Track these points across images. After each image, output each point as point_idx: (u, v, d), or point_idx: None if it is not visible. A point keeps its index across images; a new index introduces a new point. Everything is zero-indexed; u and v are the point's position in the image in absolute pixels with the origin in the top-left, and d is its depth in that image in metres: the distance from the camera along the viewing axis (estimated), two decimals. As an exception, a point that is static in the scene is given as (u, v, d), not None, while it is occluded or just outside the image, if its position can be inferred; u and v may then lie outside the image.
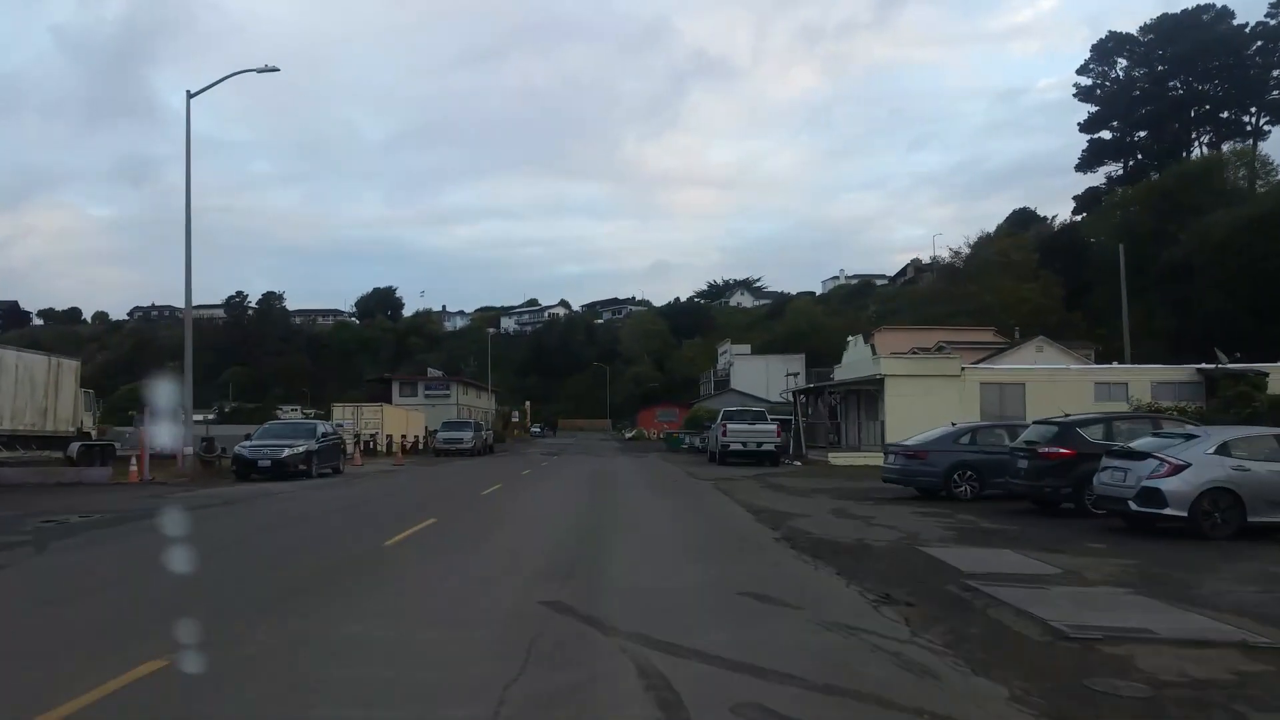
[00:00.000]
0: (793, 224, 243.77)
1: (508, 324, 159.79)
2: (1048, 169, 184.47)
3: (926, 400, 36.49)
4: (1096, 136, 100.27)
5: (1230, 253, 55.40)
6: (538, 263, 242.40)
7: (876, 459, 36.71)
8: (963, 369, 37.49)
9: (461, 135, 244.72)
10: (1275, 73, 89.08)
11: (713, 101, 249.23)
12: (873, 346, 39.81)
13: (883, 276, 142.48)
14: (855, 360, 40.68)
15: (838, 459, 37.16)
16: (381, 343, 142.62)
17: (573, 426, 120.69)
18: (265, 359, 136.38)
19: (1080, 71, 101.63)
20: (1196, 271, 57.67)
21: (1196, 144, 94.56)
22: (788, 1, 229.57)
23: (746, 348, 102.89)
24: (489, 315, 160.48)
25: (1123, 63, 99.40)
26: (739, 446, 35.78)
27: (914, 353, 41.05)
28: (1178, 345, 52.86)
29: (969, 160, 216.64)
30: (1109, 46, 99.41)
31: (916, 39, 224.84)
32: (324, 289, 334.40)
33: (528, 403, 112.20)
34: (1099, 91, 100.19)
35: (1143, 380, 37.36)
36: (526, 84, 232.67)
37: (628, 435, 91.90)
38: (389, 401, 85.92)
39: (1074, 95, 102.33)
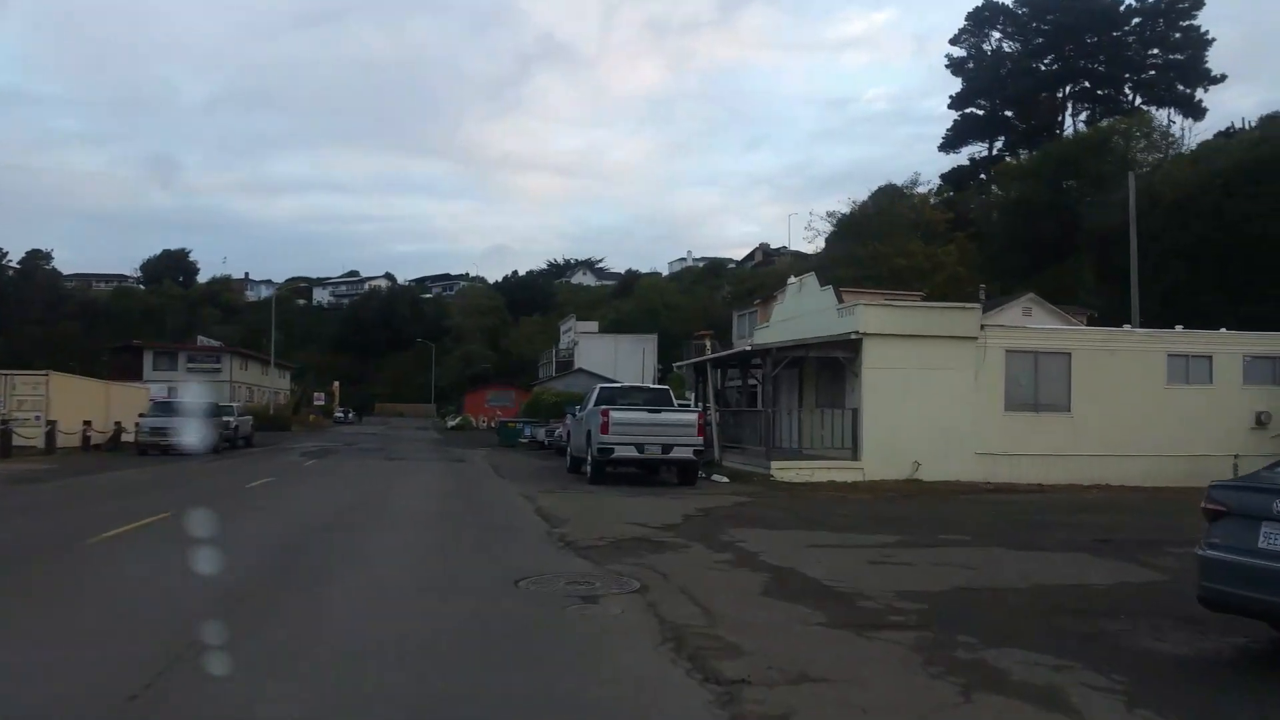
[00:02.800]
0: (633, 215, 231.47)
1: (322, 296, 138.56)
2: (871, 175, 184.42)
3: (925, 377, 21.57)
4: (967, 112, 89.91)
5: (1192, 215, 43.29)
6: (370, 240, 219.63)
7: (850, 471, 21.59)
8: (982, 327, 22.79)
9: (292, 103, 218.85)
10: (1153, 51, 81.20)
11: (559, 88, 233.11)
12: (838, 292, 24.77)
13: (731, 261, 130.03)
14: (805, 313, 25.61)
15: (785, 472, 21.80)
16: (168, 311, 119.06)
17: (391, 411, 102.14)
18: (27, 327, 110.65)
19: (954, 42, 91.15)
20: (1152, 239, 45.29)
21: (1072, 122, 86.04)
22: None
23: (593, 325, 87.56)
24: (299, 286, 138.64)
25: (996, 35, 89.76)
26: (630, 452, 20.10)
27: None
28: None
29: (801, 163, 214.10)
30: (984, 16, 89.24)
31: (757, 42, 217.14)
32: (119, 256, 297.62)
33: (336, 383, 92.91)
34: (970, 64, 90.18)
35: (1231, 352, 23.63)
36: (365, 54, 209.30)
37: (450, 424, 74.06)
38: (139, 377, 65.53)
39: (945, 67, 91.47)
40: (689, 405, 20.24)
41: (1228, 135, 61.34)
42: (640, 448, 19.54)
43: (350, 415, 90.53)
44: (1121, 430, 23.01)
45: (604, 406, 20.08)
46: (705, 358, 26.05)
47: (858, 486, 21.15)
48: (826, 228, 65.07)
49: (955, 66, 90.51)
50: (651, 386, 22.51)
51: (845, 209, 63.97)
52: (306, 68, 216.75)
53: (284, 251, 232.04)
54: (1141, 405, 23.18)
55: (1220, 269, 41.38)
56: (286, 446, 39.16)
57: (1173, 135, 66.80)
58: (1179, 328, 24.85)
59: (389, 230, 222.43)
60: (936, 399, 22.47)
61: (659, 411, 19.91)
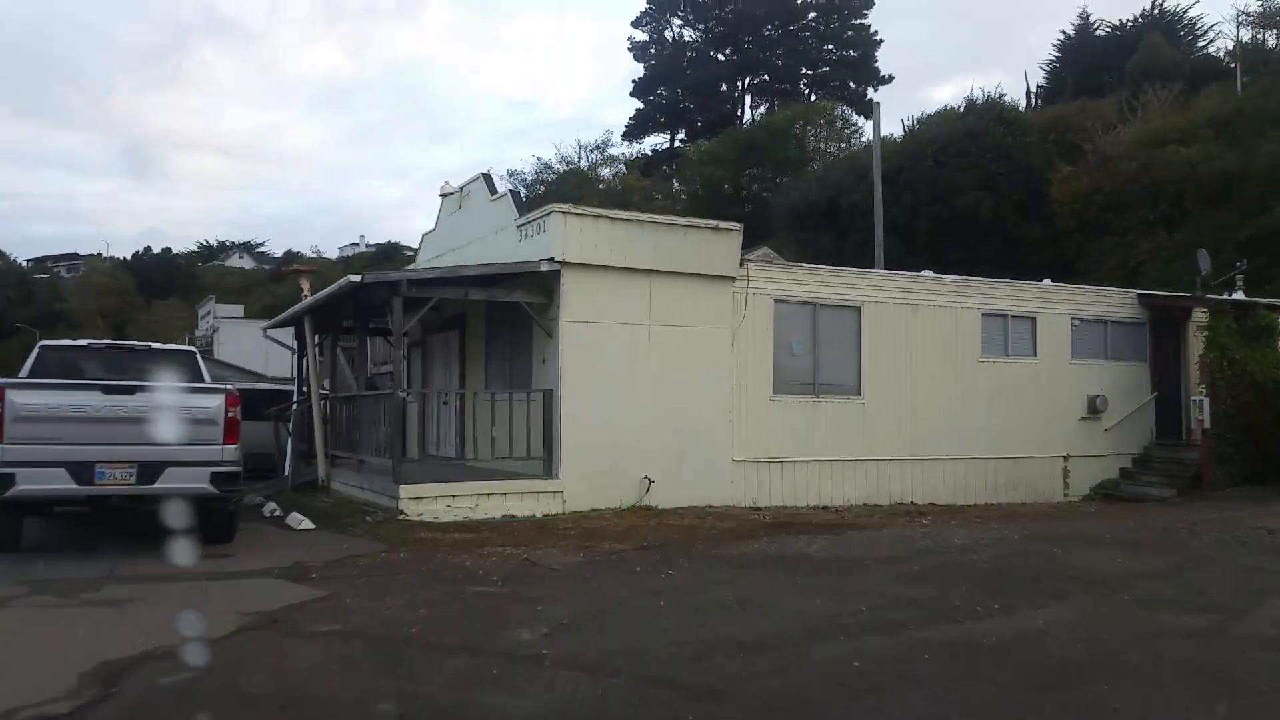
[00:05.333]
0: (311, 204, 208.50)
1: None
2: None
3: (661, 339, 12.16)
4: (650, 99, 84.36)
5: (902, 187, 38.36)
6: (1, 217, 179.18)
7: (541, 499, 11.90)
8: (744, 262, 13.81)
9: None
10: (828, 46, 79.91)
11: (224, 63, 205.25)
12: (520, 201, 14.61)
13: (410, 247, 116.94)
14: (470, 241, 15.22)
15: (423, 504, 11.68)
16: None
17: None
18: None
19: (635, 24, 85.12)
20: (859, 214, 40.09)
21: (751, 115, 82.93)
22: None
23: (239, 309, 72.06)
24: None
25: (677, 22, 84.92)
26: (59, 482, 8.59)
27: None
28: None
29: (488, 160, 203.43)
30: (664, 1, 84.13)
31: (440, 36, 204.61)
32: None
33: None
34: (652, 49, 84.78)
35: (1058, 312, 16.55)
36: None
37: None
38: None
39: (628, 50, 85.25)
40: (227, 386, 9.51)
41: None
42: (82, 470, 8.61)
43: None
44: (924, 423, 15.16)
45: (12, 382, 8.90)
46: (299, 307, 15.11)
47: (553, 527, 11.46)
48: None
49: (638, 51, 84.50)
50: (156, 348, 11.41)
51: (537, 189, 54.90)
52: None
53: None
54: (950, 386, 15.46)
55: (933, 241, 36.24)
56: None
57: (854, 124, 64.15)
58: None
59: (24, 208, 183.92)
60: (677, 374, 13.29)
61: (136, 391, 9.18)
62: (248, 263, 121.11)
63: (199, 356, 11.20)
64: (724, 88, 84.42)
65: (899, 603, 7.27)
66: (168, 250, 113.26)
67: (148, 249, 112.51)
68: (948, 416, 15.34)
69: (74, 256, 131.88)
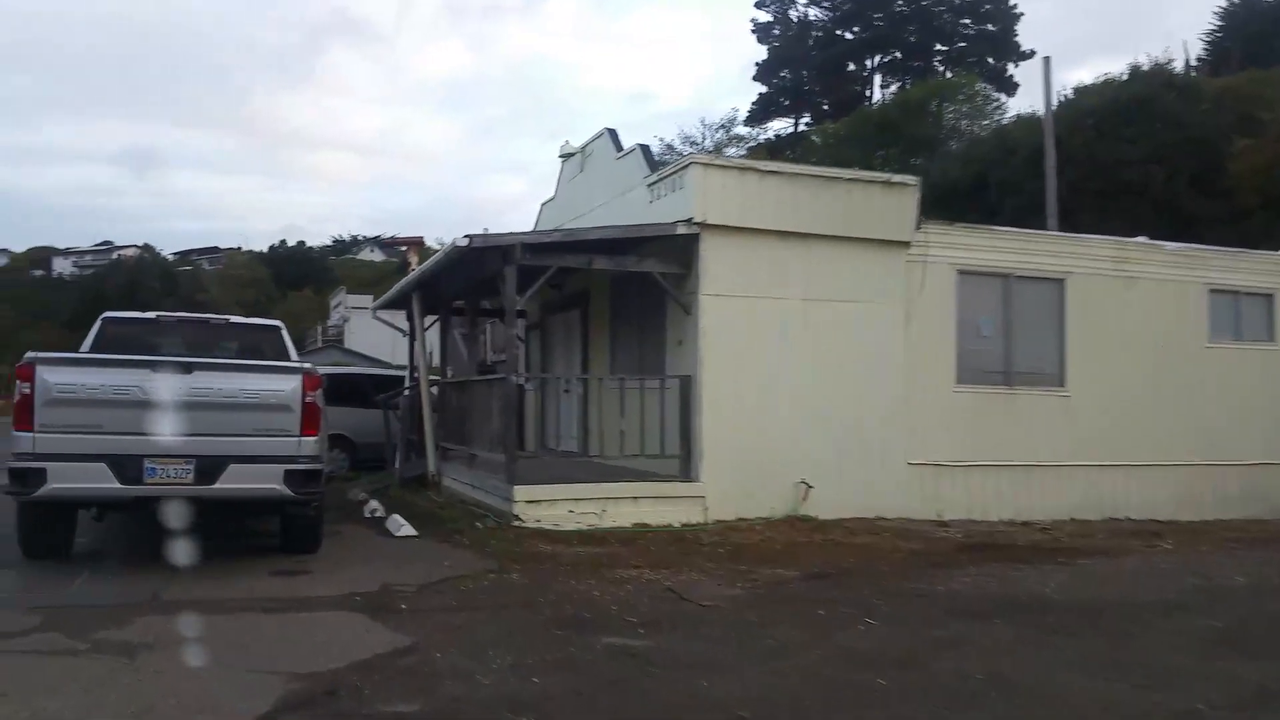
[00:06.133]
0: (436, 198, 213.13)
1: (63, 266, 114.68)
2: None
3: (820, 315, 9.72)
4: (776, 81, 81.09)
5: (1061, 161, 34.56)
6: (155, 215, 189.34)
7: (679, 504, 9.74)
8: (920, 225, 11.31)
9: (51, 64, 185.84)
10: (964, 20, 75.21)
11: (355, 64, 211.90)
12: (652, 156, 12.42)
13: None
14: (594, 207, 13.19)
15: (539, 508, 9.71)
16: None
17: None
18: None
19: (758, 5, 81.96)
20: (1011, 191, 36.57)
21: (881, 95, 78.82)
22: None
23: (368, 299, 72.87)
24: (38, 254, 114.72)
25: (802, 1, 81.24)
26: (99, 480, 6.78)
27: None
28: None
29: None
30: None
31: (559, 31, 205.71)
32: None
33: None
34: (776, 30, 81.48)
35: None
36: (139, 16, 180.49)
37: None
38: None
39: (751, 32, 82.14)
40: (303, 365, 7.75)
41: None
42: (128, 466, 6.82)
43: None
44: (1139, 421, 12.34)
45: (43, 356, 7.04)
46: (407, 281, 13.32)
47: (695, 541, 9.32)
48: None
49: (761, 32, 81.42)
50: (235, 321, 9.79)
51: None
52: (64, 26, 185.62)
53: (46, 225, 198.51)
54: (1171, 376, 12.57)
55: (1096, 219, 32.39)
56: None
57: (996, 98, 59.63)
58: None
59: (169, 207, 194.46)
60: (838, 359, 10.94)
61: (194, 369, 7.25)
62: (377, 255, 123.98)
63: (284, 332, 9.47)
64: (851, 67, 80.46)
65: (1238, 689, 4.81)
66: (302, 244, 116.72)
67: (283, 242, 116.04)
68: (1168, 413, 12.46)
69: (214, 250, 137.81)
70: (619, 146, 12.92)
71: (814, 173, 11.77)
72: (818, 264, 10.99)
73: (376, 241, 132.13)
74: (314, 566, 7.83)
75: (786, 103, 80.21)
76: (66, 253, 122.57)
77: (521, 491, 9.93)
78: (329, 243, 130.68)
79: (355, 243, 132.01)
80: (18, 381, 6.71)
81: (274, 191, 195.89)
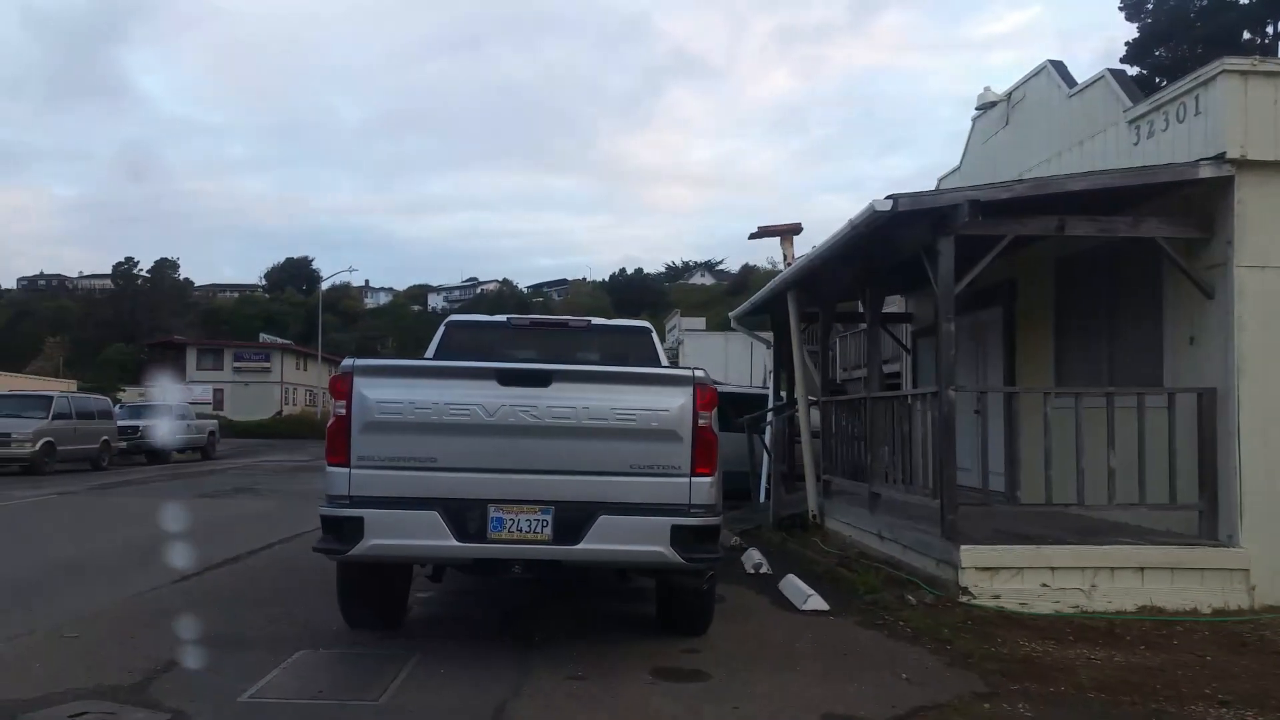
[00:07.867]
0: (767, 221, 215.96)
1: (437, 301, 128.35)
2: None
3: None
4: (1150, 60, 70.67)
5: None
6: (512, 254, 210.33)
7: (1199, 580, 6.18)
8: None
9: (437, 124, 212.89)
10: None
11: (690, 100, 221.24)
12: (1128, 82, 9.22)
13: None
14: (1028, 163, 9.94)
15: (997, 581, 6.66)
16: (290, 318, 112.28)
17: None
18: (156, 335, 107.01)
19: (1126, -22, 72.12)
20: None
21: None
22: (764, 2, 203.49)
23: (700, 321, 73.20)
24: (416, 292, 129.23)
25: (1181, -32, 70.22)
26: (422, 539, 4.94)
27: None
28: None
29: (938, 164, 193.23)
30: (1164, -53, 69.99)
31: (891, 44, 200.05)
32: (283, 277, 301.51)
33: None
34: (1149, 4, 71.03)
35: None
36: (503, 75, 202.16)
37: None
38: (181, 376, 55.33)
39: (1119, 9, 72.44)
40: (694, 373, 5.51)
41: None
42: (468, 515, 4.85)
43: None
44: None
45: (361, 364, 5.22)
46: (781, 277, 10.75)
47: (1255, 640, 5.87)
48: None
49: (1130, 9, 71.47)
50: (598, 323, 7.76)
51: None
52: (449, 90, 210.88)
53: (435, 268, 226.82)
54: None
55: None
56: (244, 464, 26.33)
57: None
58: None
59: (530, 245, 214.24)
60: None
61: (552, 380, 5.10)
62: (708, 279, 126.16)
63: (654, 336, 7.36)
64: (1247, 35, 68.38)
65: None
66: (639, 271, 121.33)
67: (622, 270, 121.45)
68: None
69: (563, 282, 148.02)
70: (1069, 81, 9.58)
71: None
72: None
73: (707, 266, 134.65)
74: (707, 662, 5.47)
75: (1163, 83, 69.64)
76: (439, 289, 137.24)
77: (970, 554, 7.01)
78: (662, 269, 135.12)
79: (687, 268, 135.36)
80: (334, 400, 5.03)
81: (616, 228, 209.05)
